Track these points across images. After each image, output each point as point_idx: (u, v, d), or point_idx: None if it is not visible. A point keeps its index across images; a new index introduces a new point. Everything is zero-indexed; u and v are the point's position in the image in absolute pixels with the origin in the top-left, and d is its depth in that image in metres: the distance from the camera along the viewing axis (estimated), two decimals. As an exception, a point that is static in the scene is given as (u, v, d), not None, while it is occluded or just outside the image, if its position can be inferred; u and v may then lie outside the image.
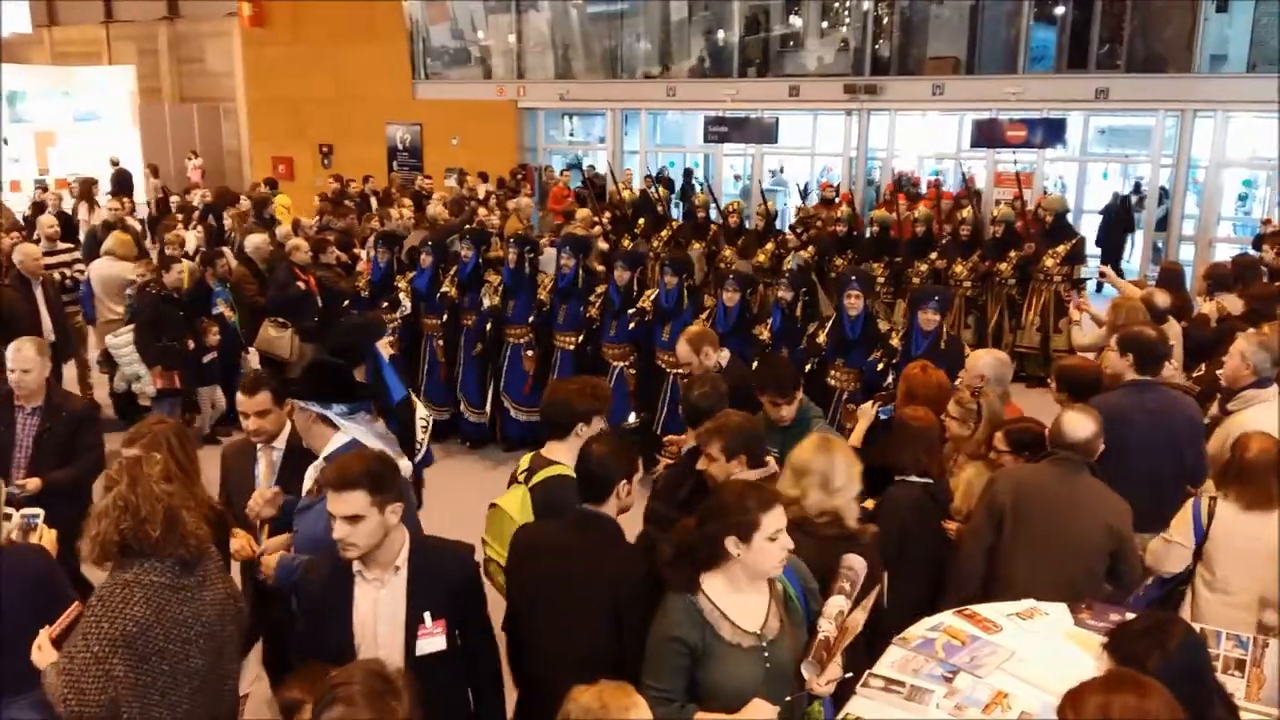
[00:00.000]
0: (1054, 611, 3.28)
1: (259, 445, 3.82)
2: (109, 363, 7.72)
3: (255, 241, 8.63)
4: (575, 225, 10.50)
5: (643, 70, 17.88)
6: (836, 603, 2.87)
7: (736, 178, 18.78)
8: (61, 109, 24.27)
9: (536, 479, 3.43)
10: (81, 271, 8.42)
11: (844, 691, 2.86)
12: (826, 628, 2.81)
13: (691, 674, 2.70)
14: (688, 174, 17.84)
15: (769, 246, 10.33)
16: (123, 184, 17.42)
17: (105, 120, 24.40)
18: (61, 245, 8.58)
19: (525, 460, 3.57)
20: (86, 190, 13.79)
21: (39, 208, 11.65)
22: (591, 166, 18.41)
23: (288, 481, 3.64)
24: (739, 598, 2.75)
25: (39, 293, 7.37)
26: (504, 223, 11.01)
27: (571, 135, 20.18)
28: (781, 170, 18.57)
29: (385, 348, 4.96)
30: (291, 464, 3.70)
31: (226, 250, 8.99)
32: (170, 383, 7.44)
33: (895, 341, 6.13)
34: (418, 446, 4.62)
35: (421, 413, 4.80)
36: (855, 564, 2.98)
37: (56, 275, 8.04)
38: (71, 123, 24.27)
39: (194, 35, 26.54)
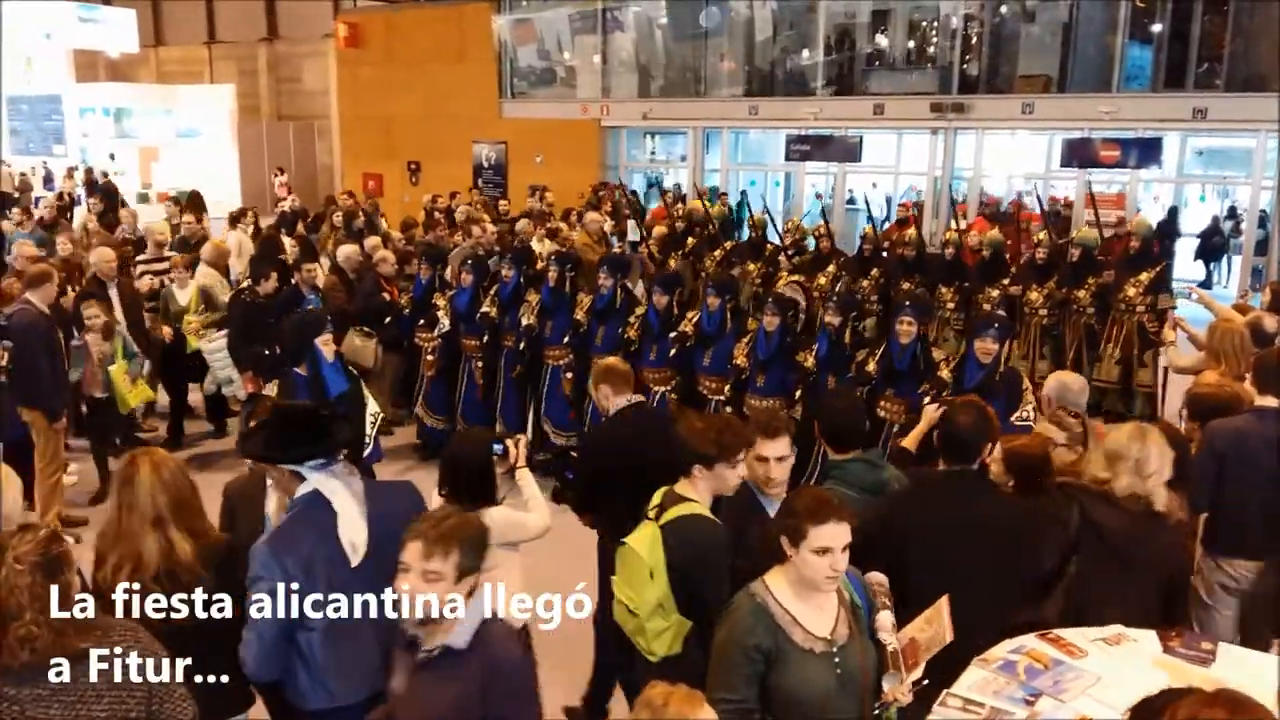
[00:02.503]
0: (1142, 638, 3.18)
1: (269, 483, 3.35)
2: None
3: (346, 252, 8.85)
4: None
5: (726, 89, 17.94)
6: (887, 617, 2.87)
7: (818, 196, 18.68)
8: (165, 125, 25.31)
9: (668, 517, 3.25)
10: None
11: (920, 710, 2.82)
12: (890, 640, 2.81)
13: (762, 681, 2.67)
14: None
15: (830, 269, 9.74)
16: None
17: (206, 137, 25.36)
18: (166, 254, 8.90)
19: (658, 495, 3.37)
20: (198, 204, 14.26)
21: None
22: (677, 186, 18.49)
23: None
24: (807, 603, 2.72)
25: (114, 294, 7.67)
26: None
27: (653, 154, 20.31)
28: (875, 186, 18.38)
29: (326, 346, 4.99)
30: None
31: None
32: (259, 387, 7.64)
33: (945, 373, 5.70)
34: (365, 441, 4.71)
35: (372, 408, 4.89)
36: (878, 579, 3.00)
37: (160, 282, 8.35)
38: (174, 139, 25.29)
39: (292, 56, 27.48)
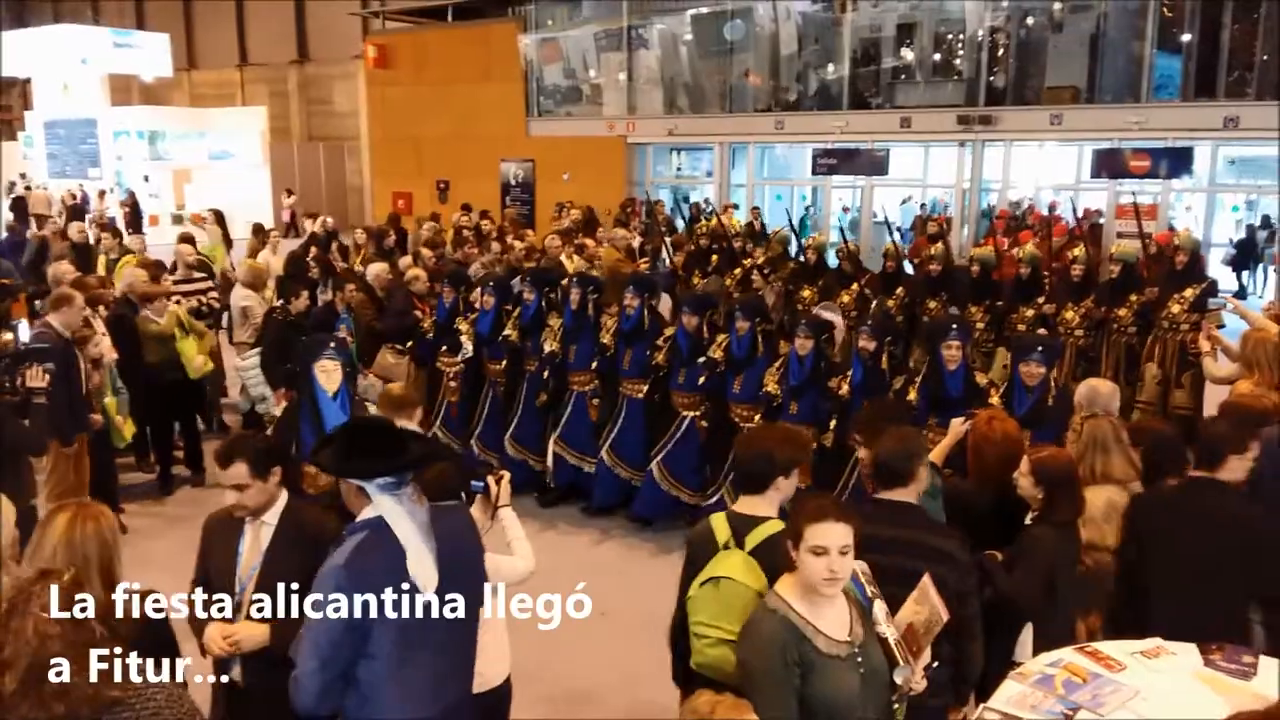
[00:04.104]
0: (1181, 652, 3.15)
1: (246, 522, 3.23)
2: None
3: (375, 269, 8.91)
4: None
5: (751, 104, 17.99)
6: (880, 607, 2.85)
7: (845, 210, 18.67)
8: (198, 148, 25.67)
9: (754, 540, 3.07)
10: (216, 300, 8.87)
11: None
12: (889, 631, 2.81)
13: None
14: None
15: (854, 287, 9.28)
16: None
17: (238, 159, 25.69)
18: (197, 275, 9.02)
19: (721, 523, 3.19)
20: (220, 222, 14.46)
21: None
22: (688, 200, 18.50)
23: (278, 565, 3.08)
24: (821, 609, 2.68)
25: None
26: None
27: (679, 170, 20.37)
28: (909, 199, 18.36)
29: (323, 373, 4.59)
30: (284, 545, 3.15)
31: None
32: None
33: (995, 399, 5.36)
34: None
35: None
36: (861, 567, 2.99)
37: (194, 302, 8.46)
38: (207, 161, 25.64)
39: (322, 77, 27.83)
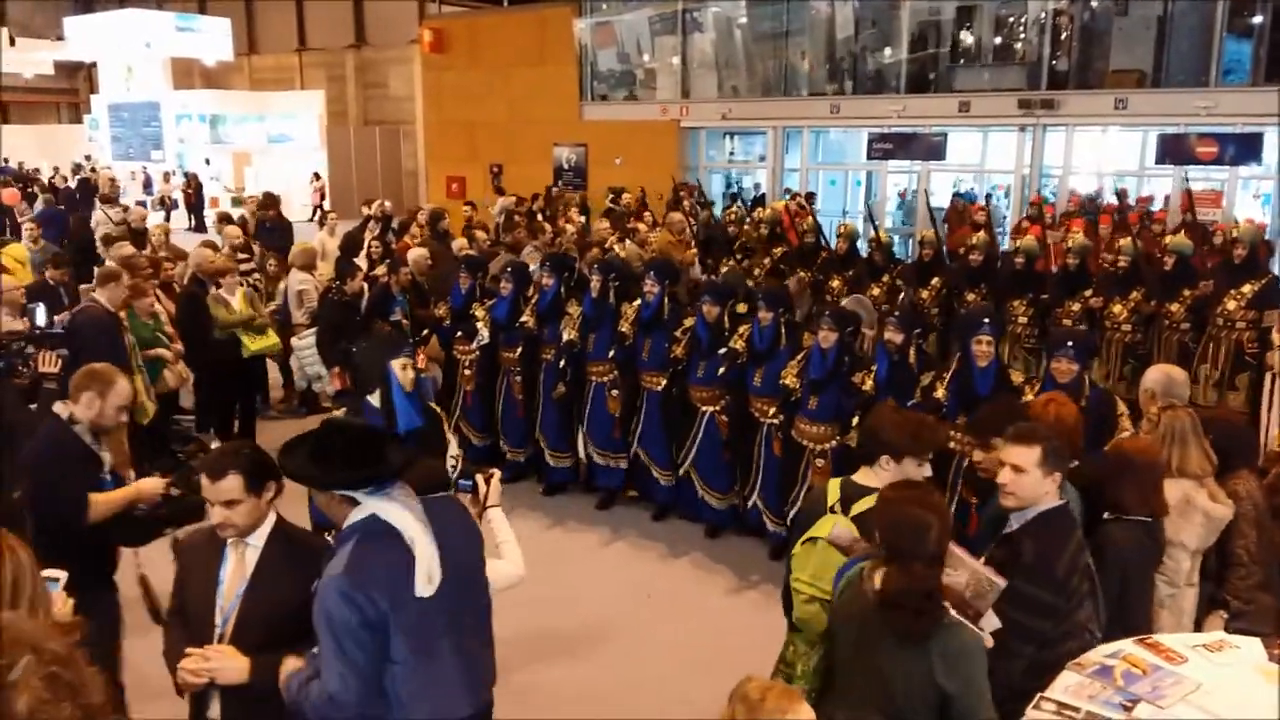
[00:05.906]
0: (1245, 645, 3.08)
1: (228, 539, 2.85)
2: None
3: (414, 255, 8.98)
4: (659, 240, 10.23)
5: (806, 88, 17.81)
6: None
7: (901, 195, 18.43)
8: (257, 131, 26.07)
9: (858, 509, 3.19)
10: (260, 281, 9.02)
11: (1014, 714, 2.81)
12: None
13: None
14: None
15: (885, 279, 8.96)
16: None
17: (296, 142, 26.04)
18: (242, 256, 9.16)
19: (835, 487, 3.32)
20: (272, 204, 14.67)
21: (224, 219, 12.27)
22: (738, 187, 18.34)
23: (266, 592, 2.78)
24: None
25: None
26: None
27: (732, 154, 20.26)
28: (959, 183, 17.99)
29: (403, 370, 4.36)
30: (272, 570, 2.80)
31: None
32: (347, 384, 7.79)
33: (1030, 398, 4.94)
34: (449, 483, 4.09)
35: (453, 449, 4.45)
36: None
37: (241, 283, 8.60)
38: (265, 144, 26.03)
39: (379, 62, 28.07)
